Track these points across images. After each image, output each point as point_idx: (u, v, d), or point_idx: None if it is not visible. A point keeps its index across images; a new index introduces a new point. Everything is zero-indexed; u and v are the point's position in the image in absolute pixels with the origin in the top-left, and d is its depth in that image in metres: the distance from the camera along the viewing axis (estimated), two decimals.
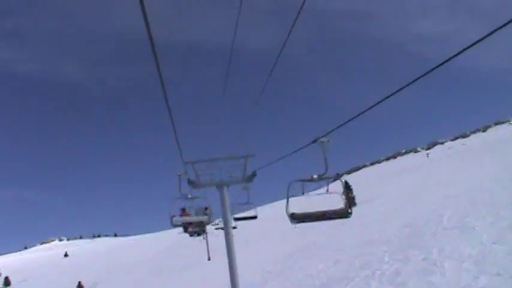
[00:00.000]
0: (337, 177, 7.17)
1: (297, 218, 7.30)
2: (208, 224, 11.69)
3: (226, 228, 9.65)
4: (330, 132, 5.79)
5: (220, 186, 9.88)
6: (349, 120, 4.84)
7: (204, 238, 51.54)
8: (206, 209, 11.23)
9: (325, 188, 7.74)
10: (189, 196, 9.53)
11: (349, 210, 7.46)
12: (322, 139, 6.45)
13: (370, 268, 19.58)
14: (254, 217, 12.35)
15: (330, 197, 7.78)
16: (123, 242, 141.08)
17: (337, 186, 7.54)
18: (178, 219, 9.69)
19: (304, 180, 6.86)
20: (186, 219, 10.40)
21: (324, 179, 6.87)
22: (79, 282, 64.38)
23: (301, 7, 4.03)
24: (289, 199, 6.94)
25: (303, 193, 7.12)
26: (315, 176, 6.75)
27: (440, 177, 55.13)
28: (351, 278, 19.06)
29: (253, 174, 9.97)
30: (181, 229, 19.26)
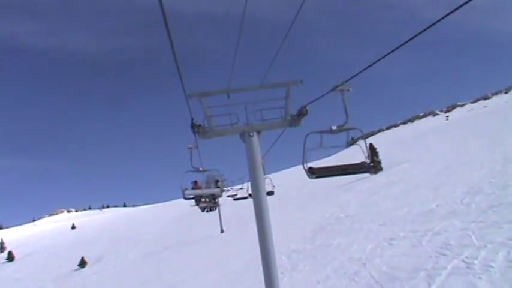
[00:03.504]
0: (356, 138, 6.51)
1: (315, 173, 6.37)
2: (220, 196, 11.61)
3: (257, 195, 6.63)
4: (350, 79, 5.71)
5: (245, 133, 6.72)
6: (362, 71, 5.03)
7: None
8: (217, 181, 10.22)
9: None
10: (201, 169, 8.44)
11: (371, 164, 6.75)
12: (342, 87, 6.06)
13: (456, 255, 13.69)
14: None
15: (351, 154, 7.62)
16: (132, 213, 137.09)
17: (357, 149, 6.55)
18: (190, 192, 8.75)
19: (322, 132, 6.19)
20: (198, 192, 9.86)
21: (343, 130, 6.23)
22: (82, 258, 60.48)
23: None
24: (307, 153, 6.22)
25: (320, 145, 6.35)
26: (334, 127, 6.17)
27: (477, 139, 48.69)
28: (431, 271, 13.10)
29: (302, 113, 6.65)
30: (193, 202, 19.89)
